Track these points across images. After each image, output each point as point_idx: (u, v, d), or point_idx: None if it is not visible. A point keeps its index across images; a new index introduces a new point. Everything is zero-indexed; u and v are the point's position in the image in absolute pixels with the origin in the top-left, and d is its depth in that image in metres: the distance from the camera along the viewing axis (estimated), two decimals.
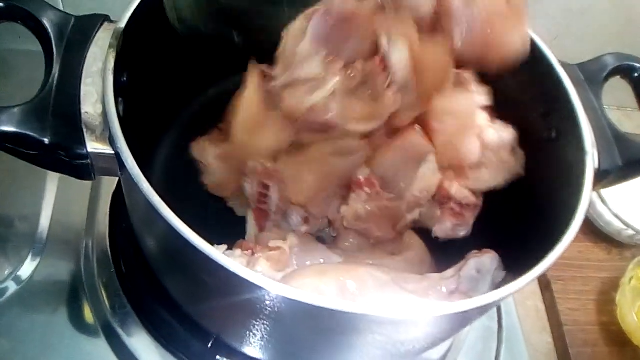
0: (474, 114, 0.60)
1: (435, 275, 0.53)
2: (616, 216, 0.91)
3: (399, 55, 0.50)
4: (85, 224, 0.74)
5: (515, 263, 0.49)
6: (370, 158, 0.60)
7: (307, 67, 0.50)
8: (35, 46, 0.52)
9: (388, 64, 0.50)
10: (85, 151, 0.46)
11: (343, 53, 0.51)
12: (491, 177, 0.62)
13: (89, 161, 0.47)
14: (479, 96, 0.61)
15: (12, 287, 0.68)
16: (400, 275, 0.52)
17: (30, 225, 0.73)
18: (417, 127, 0.59)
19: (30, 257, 0.71)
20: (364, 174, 0.60)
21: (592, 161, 0.52)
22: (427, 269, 0.60)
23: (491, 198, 0.65)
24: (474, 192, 0.62)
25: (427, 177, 0.61)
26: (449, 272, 0.53)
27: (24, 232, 0.73)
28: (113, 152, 0.46)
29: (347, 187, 0.60)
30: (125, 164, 0.44)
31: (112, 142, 0.46)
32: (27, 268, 0.70)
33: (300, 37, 0.50)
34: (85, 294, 0.69)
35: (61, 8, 0.63)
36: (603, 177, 0.54)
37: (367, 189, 0.59)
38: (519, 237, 0.56)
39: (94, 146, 0.46)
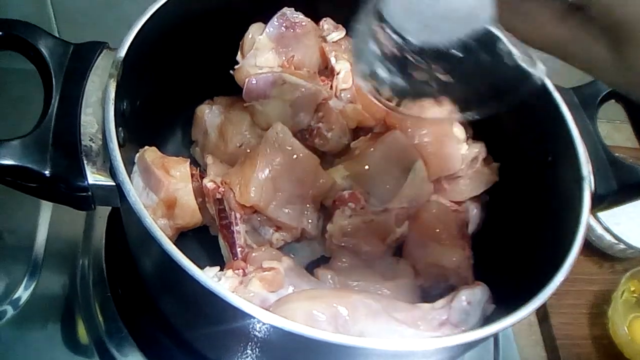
0: (448, 122, 0.62)
1: (426, 305, 0.53)
2: (607, 230, 0.92)
3: (341, 66, 0.65)
4: (81, 243, 0.73)
5: (512, 292, 0.49)
6: (355, 163, 0.61)
7: (262, 55, 0.63)
8: (28, 64, 0.51)
9: (334, 72, 0.65)
10: (86, 183, 0.46)
11: (294, 52, 0.64)
12: (468, 188, 0.65)
13: (89, 193, 0.47)
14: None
15: (9, 310, 0.67)
16: (392, 304, 0.52)
17: (26, 245, 0.72)
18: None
19: (26, 278, 0.70)
20: (347, 188, 0.60)
21: (589, 187, 0.52)
22: (418, 298, 0.60)
23: (486, 228, 0.66)
24: (456, 203, 0.63)
25: (416, 184, 0.61)
26: (440, 302, 0.53)
27: (20, 252, 0.72)
28: (114, 183, 0.46)
29: (317, 195, 0.60)
30: (127, 196, 0.43)
31: (113, 173, 0.46)
32: (24, 290, 0.69)
33: (261, 32, 0.64)
34: (81, 316, 0.68)
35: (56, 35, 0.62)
36: (599, 202, 0.54)
37: (351, 204, 0.60)
38: (517, 267, 0.57)
39: (94, 178, 0.46)
